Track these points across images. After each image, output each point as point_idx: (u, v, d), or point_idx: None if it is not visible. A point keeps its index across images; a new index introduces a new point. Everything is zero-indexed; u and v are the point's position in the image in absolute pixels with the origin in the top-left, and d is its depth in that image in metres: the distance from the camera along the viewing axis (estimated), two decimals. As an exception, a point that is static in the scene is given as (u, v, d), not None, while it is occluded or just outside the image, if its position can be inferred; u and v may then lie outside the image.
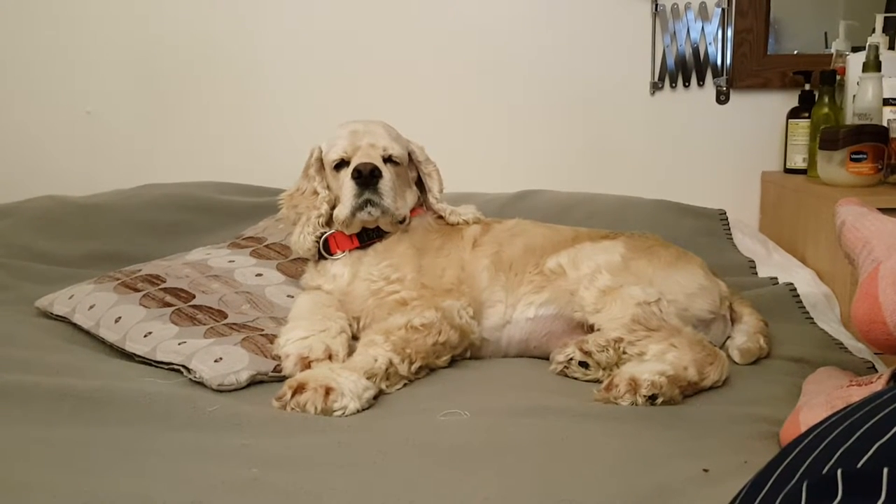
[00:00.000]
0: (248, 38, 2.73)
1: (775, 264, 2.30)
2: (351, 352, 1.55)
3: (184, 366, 1.51)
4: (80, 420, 1.28)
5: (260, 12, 2.72)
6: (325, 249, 1.80)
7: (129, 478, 1.09)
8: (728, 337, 1.74)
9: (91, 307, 1.73)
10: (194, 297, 1.72)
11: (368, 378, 1.43)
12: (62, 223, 2.36)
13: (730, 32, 2.69)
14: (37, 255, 2.25)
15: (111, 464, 1.13)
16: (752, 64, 2.71)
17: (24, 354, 1.53)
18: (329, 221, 1.81)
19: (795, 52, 2.76)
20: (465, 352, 1.68)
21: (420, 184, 1.90)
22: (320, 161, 1.84)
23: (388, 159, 1.76)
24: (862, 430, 0.58)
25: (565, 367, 1.57)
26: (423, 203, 1.89)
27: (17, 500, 1.02)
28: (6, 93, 2.74)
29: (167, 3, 2.71)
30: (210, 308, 1.69)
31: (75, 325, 1.74)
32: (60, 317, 1.78)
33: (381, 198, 1.70)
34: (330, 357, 1.52)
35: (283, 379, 1.47)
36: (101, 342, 1.68)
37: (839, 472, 0.54)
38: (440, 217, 1.88)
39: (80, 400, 1.32)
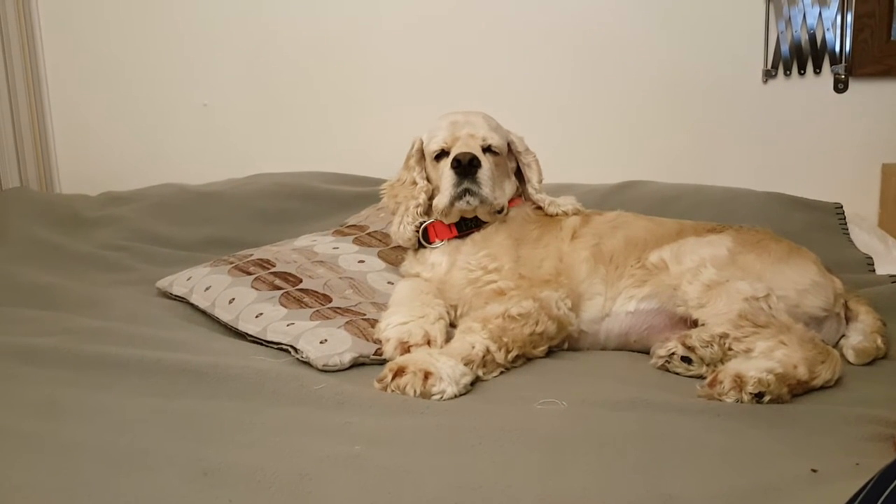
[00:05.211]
0: (353, 37, 2.80)
1: (895, 261, 2.17)
2: (448, 338, 1.58)
3: (292, 346, 1.58)
4: (196, 393, 1.36)
5: (365, 13, 2.78)
6: (424, 238, 1.83)
7: (241, 448, 1.15)
8: (842, 336, 1.66)
9: (207, 288, 1.83)
10: (301, 281, 1.80)
11: (466, 364, 1.45)
12: (180, 209, 2.51)
13: (849, 17, 2.54)
14: (157, 239, 2.40)
15: (224, 435, 1.20)
16: (873, 50, 2.56)
17: (145, 331, 1.64)
18: (428, 211, 1.84)
19: (922, 37, 2.59)
20: (563, 343, 1.67)
21: (519, 174, 1.90)
22: (421, 152, 1.87)
23: (487, 149, 1.77)
24: None
25: (667, 361, 1.54)
26: (521, 193, 1.89)
27: (139, 465, 1.10)
28: (131, 88, 2.92)
29: (279, 5, 2.82)
30: (316, 292, 1.75)
31: (192, 305, 1.85)
32: (179, 297, 1.90)
33: (480, 187, 1.72)
34: (428, 342, 1.55)
35: (383, 362, 1.51)
36: (216, 321, 1.78)
37: None
38: (539, 208, 1.87)
39: (196, 375, 1.41)
